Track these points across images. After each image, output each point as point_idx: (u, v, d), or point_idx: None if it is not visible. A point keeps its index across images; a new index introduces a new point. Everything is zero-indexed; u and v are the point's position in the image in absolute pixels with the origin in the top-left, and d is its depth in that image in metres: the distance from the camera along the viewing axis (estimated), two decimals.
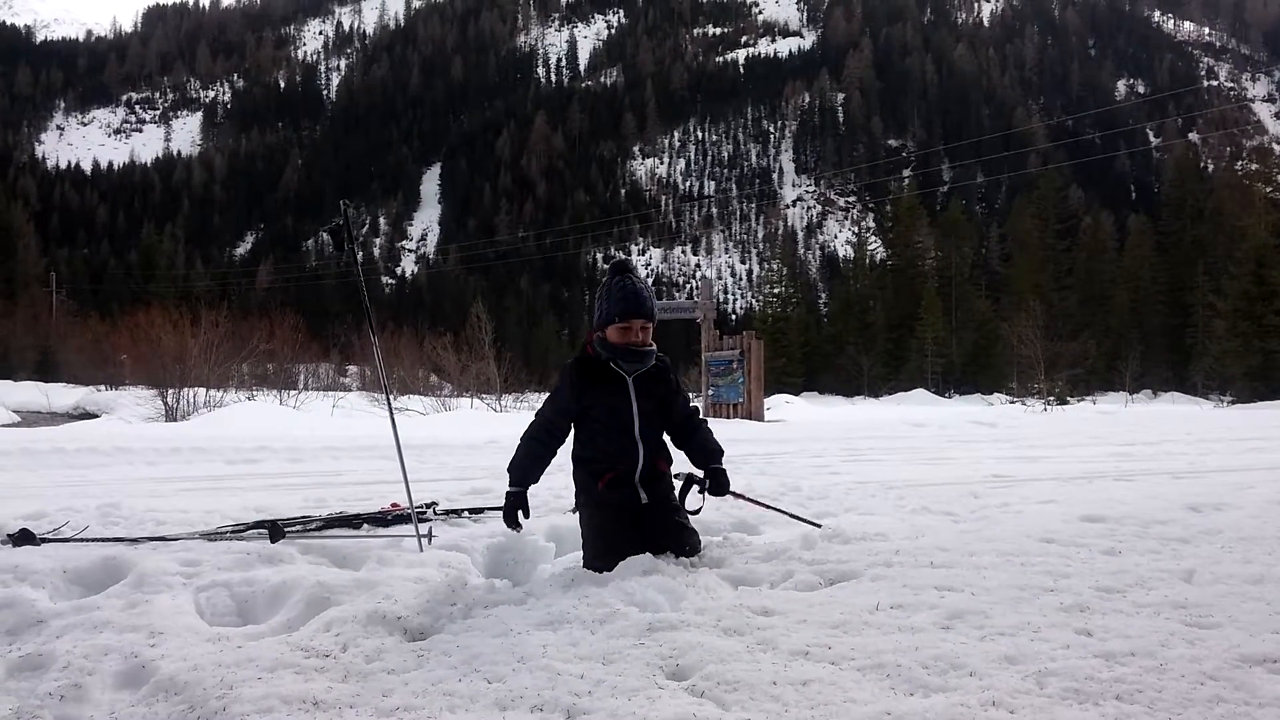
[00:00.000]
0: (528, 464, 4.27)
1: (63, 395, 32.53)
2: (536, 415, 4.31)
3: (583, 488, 4.35)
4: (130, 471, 9.67)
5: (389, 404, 5.71)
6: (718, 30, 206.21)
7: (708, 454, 4.50)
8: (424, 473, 9.29)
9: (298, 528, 5.25)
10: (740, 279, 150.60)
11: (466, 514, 6.08)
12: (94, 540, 4.95)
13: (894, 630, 3.31)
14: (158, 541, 4.91)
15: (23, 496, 7.21)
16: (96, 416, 23.91)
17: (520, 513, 4.19)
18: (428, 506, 5.97)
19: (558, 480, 8.16)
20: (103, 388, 33.33)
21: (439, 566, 4.48)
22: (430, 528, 5.22)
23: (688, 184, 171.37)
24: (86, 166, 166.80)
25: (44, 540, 4.87)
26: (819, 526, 5.38)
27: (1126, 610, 3.55)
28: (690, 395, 4.42)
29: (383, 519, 5.62)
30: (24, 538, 4.81)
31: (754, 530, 5.76)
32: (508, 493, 4.20)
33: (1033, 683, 2.82)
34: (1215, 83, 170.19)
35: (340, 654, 3.15)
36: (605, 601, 3.57)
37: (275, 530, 4.98)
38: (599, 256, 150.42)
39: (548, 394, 4.35)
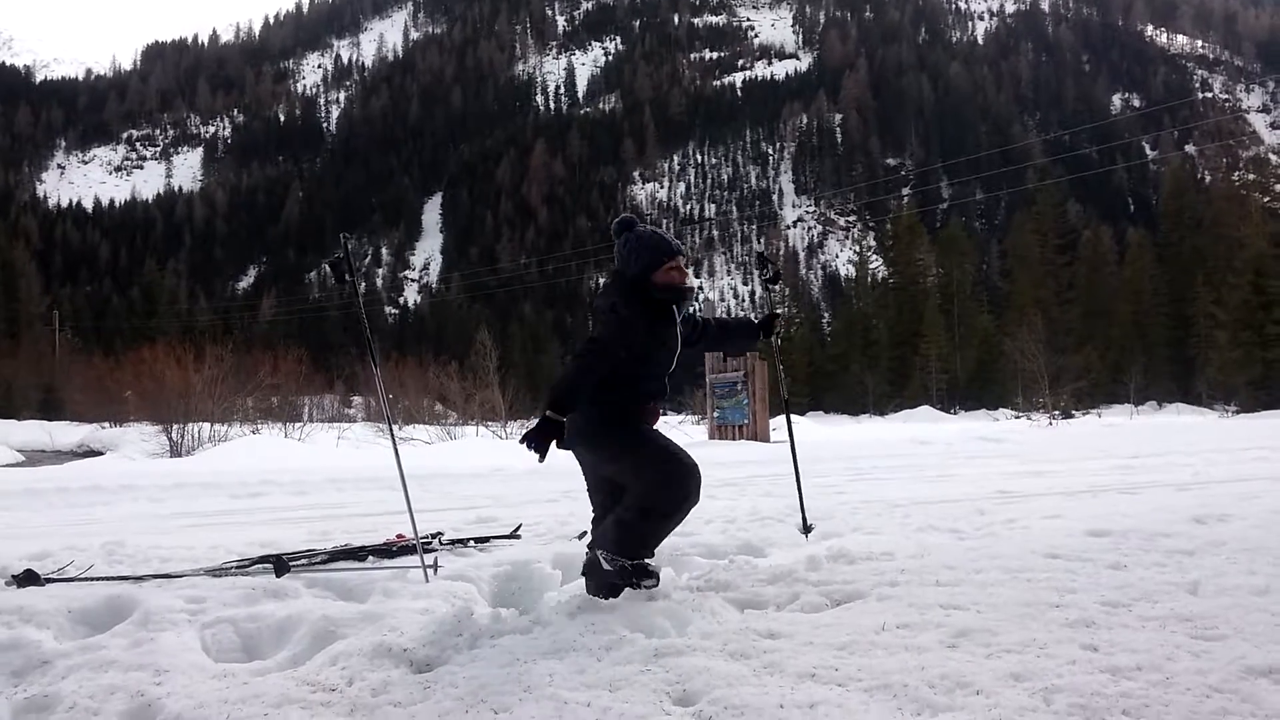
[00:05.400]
0: (582, 391, 3.95)
1: (67, 433, 32.53)
2: (594, 347, 4.01)
3: (621, 419, 4.15)
4: (135, 508, 9.66)
5: (392, 435, 5.72)
6: (714, 54, 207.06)
7: (744, 322, 4.83)
8: (429, 502, 9.27)
9: (303, 561, 5.25)
10: (743, 300, 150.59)
11: (472, 543, 6.08)
12: (98, 579, 4.95)
13: (900, 650, 3.31)
14: (162, 579, 4.91)
15: (27, 536, 7.21)
16: (101, 454, 23.93)
17: (555, 442, 3.87)
18: (433, 537, 5.97)
19: (563, 507, 8.20)
20: (107, 425, 33.30)
21: (445, 597, 4.48)
22: (436, 558, 5.21)
23: (688, 207, 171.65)
24: (88, 204, 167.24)
25: (48, 580, 4.88)
26: (806, 536, 5.40)
27: (1132, 624, 3.55)
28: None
29: (388, 550, 5.61)
30: (28, 578, 4.82)
31: (760, 552, 5.76)
32: (548, 418, 3.81)
33: (1040, 700, 2.82)
34: (1210, 95, 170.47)
35: (346, 688, 3.16)
36: (611, 628, 3.57)
37: (280, 564, 4.98)
38: (602, 281, 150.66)
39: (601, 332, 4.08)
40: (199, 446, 22.01)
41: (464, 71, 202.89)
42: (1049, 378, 41.43)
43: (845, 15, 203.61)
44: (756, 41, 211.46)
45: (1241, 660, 3.06)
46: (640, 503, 4.04)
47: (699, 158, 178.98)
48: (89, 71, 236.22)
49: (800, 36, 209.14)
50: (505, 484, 11.37)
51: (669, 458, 4.10)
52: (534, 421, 3.93)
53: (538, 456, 3.80)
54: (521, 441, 3.89)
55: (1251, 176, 72.22)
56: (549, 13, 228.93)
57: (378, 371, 5.46)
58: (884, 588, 4.20)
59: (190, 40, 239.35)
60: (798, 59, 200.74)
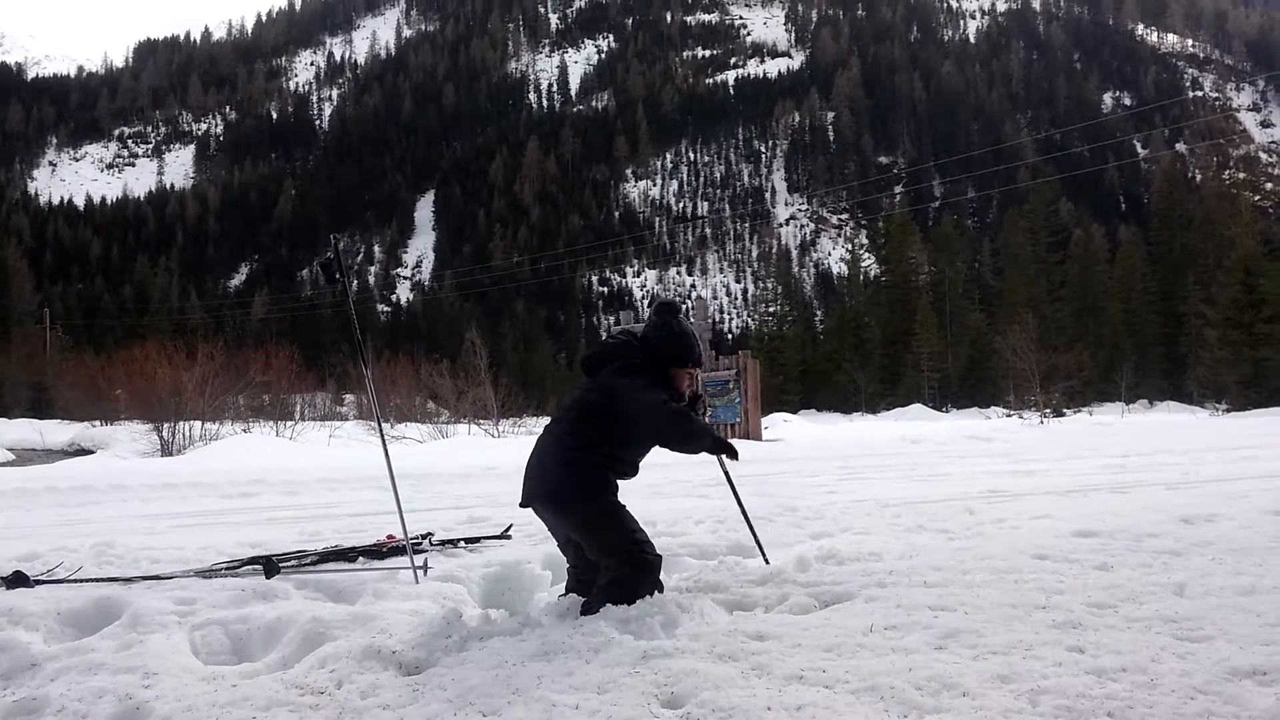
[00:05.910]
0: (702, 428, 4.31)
1: (57, 432, 32.32)
2: (672, 406, 4.18)
3: (603, 486, 4.22)
4: (125, 509, 9.64)
5: (382, 437, 5.72)
6: (707, 52, 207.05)
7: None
8: (420, 502, 9.28)
9: (293, 562, 5.25)
10: (735, 298, 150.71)
11: (463, 544, 6.07)
12: (88, 581, 4.94)
13: (888, 652, 3.32)
14: (152, 580, 4.90)
15: (16, 537, 7.20)
16: (92, 453, 23.80)
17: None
18: (423, 537, 5.96)
19: None
20: (98, 423, 33.09)
21: (435, 598, 4.48)
22: (426, 559, 5.21)
23: (681, 205, 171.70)
24: (79, 202, 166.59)
25: (38, 582, 4.87)
26: (767, 563, 5.22)
27: (1118, 626, 3.56)
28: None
29: (378, 551, 5.61)
30: (17, 580, 4.81)
31: (750, 553, 5.76)
32: (717, 439, 4.21)
33: (1025, 701, 2.83)
34: (1200, 93, 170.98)
35: (335, 691, 3.16)
36: (600, 630, 3.57)
37: (270, 566, 4.98)
38: (594, 279, 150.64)
39: (650, 402, 4.13)
40: (190, 445, 21.93)
41: (457, 69, 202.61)
42: (1040, 376, 41.51)
43: (837, 14, 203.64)
44: (749, 40, 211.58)
45: (1226, 662, 3.08)
46: (614, 575, 4.08)
47: (691, 156, 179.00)
48: (81, 69, 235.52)
49: (793, 35, 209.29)
50: (497, 483, 11.36)
51: (639, 545, 4.14)
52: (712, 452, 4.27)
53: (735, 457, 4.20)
54: (722, 454, 4.26)
55: (1242, 175, 72.55)
56: (542, 10, 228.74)
57: (368, 373, 5.45)
58: (872, 589, 4.21)
59: (182, 37, 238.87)
60: (790, 57, 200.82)
